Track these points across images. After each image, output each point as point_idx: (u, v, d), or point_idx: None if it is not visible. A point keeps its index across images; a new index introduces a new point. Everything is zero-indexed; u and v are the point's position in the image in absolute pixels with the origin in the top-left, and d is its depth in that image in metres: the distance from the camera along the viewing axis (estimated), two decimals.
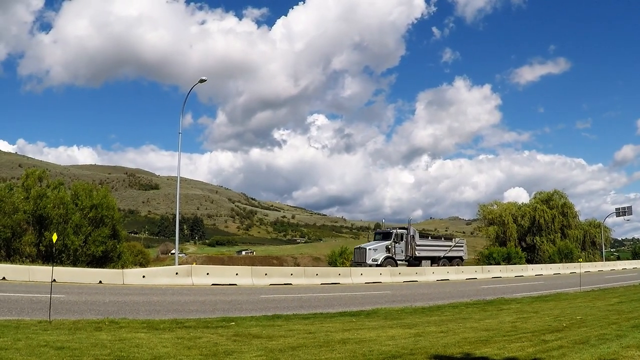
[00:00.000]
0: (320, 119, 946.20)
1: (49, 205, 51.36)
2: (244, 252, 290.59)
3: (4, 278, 31.33)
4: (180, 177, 52.14)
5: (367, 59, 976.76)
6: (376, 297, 32.19)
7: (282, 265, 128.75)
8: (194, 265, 39.83)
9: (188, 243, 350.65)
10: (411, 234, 60.87)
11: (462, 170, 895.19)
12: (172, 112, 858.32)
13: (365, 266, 53.83)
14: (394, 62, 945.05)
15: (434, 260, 62.65)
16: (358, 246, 62.50)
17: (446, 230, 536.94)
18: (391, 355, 12.06)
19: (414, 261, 60.14)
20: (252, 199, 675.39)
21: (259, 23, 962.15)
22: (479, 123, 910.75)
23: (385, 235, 61.32)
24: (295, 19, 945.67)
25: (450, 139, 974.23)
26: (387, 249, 58.30)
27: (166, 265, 55.65)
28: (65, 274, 33.12)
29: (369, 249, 58.23)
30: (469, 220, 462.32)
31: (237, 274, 38.64)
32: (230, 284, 36.76)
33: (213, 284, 36.11)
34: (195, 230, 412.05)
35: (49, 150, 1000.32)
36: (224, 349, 12.55)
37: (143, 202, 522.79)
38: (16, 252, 49.60)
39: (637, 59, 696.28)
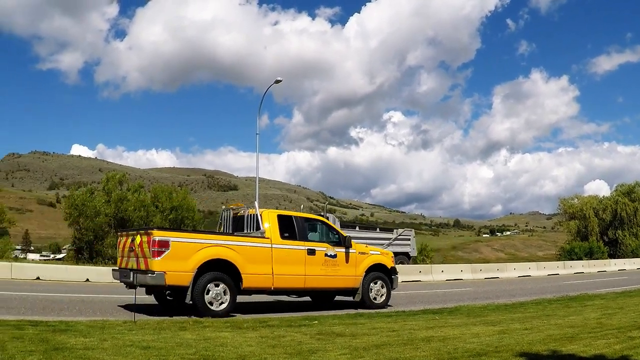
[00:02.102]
0: (397, 116, 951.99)
1: (129, 208, 52.22)
2: None
3: (87, 280, 31.90)
4: (259, 177, 52.43)
5: (442, 54, 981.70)
6: (458, 294, 32.04)
7: None
8: None
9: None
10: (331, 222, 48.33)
11: (542, 163, 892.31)
12: (249, 114, 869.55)
13: None
14: (470, 56, 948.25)
15: None
16: None
17: (526, 226, 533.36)
18: (476, 353, 11.95)
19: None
20: (330, 197, 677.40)
21: (332, 22, 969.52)
22: (556, 115, 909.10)
23: None
24: (369, 16, 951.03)
25: (528, 132, 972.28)
26: None
27: None
28: None
29: None
30: (549, 214, 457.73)
31: None
32: None
33: None
34: None
35: (128, 155, 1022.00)
36: (308, 347, 12.60)
37: (222, 203, 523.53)
38: (99, 255, 50.55)
39: None
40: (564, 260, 70.64)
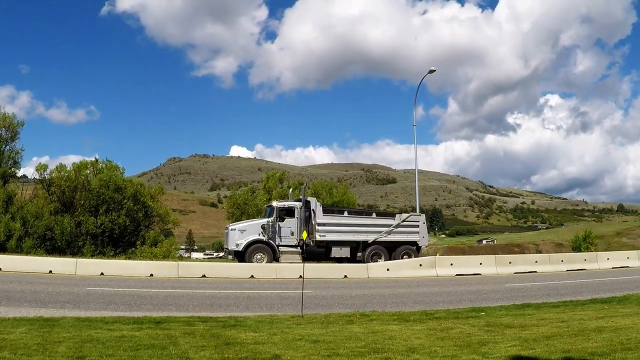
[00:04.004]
0: (553, 99, 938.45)
1: None
2: (484, 241, 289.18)
3: (252, 276, 32.43)
4: (417, 169, 52.24)
5: (597, 31, 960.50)
6: (625, 282, 31.24)
7: (523, 253, 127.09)
8: (437, 256, 39.83)
9: (428, 234, 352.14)
10: (312, 207, 41.89)
11: None
12: (404, 106, 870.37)
13: (227, 254, 42.43)
14: (626, 32, 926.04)
15: (357, 248, 42.51)
16: (227, 225, 44.42)
17: None
18: None
19: (316, 248, 42.06)
20: (489, 186, 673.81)
21: (481, 7, 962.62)
22: None
23: (281, 210, 41.85)
24: None
25: None
26: (263, 230, 40.38)
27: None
28: (311, 269, 33.76)
29: (233, 229, 41.20)
30: None
31: (480, 264, 38.45)
32: (474, 274, 36.59)
33: (457, 275, 36.07)
34: (435, 221, 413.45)
35: (286, 153, 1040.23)
36: (478, 339, 12.51)
37: (381, 197, 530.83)
38: None
39: None
40: None
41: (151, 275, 31.53)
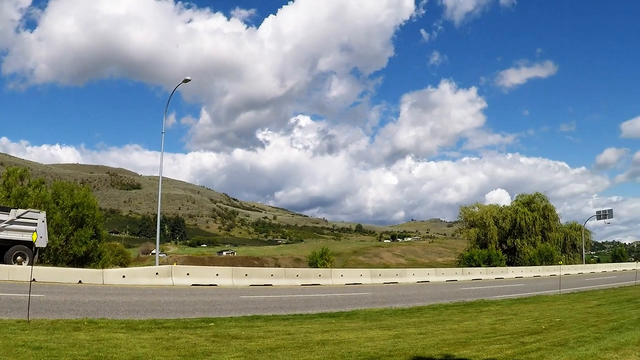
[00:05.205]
0: (304, 120, 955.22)
1: (30, 205, 51.10)
2: (224, 253, 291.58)
3: None
4: (163, 177, 52.04)
5: (355, 61, 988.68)
6: (356, 298, 32.24)
7: (262, 266, 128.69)
8: (174, 265, 39.68)
9: (169, 243, 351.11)
10: None
11: (446, 172, 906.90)
12: (157, 112, 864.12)
13: None
14: (382, 64, 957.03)
15: None
16: None
17: (427, 232, 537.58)
18: (370, 357, 12.09)
19: None
20: (233, 199, 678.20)
21: (247, 23, 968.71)
22: (463, 125, 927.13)
23: None
24: (284, 19, 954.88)
25: (434, 140, 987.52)
26: None
27: (147, 266, 55.33)
28: (45, 273, 33.01)
29: None
30: (450, 222, 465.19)
31: (217, 275, 38.58)
32: (210, 285, 36.70)
33: (193, 285, 36.04)
34: (177, 230, 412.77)
35: (32, 149, 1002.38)
36: (203, 349, 12.55)
37: (125, 202, 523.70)
38: None
39: (622, 63, 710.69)
40: (462, 267, 71.50)
41: None
